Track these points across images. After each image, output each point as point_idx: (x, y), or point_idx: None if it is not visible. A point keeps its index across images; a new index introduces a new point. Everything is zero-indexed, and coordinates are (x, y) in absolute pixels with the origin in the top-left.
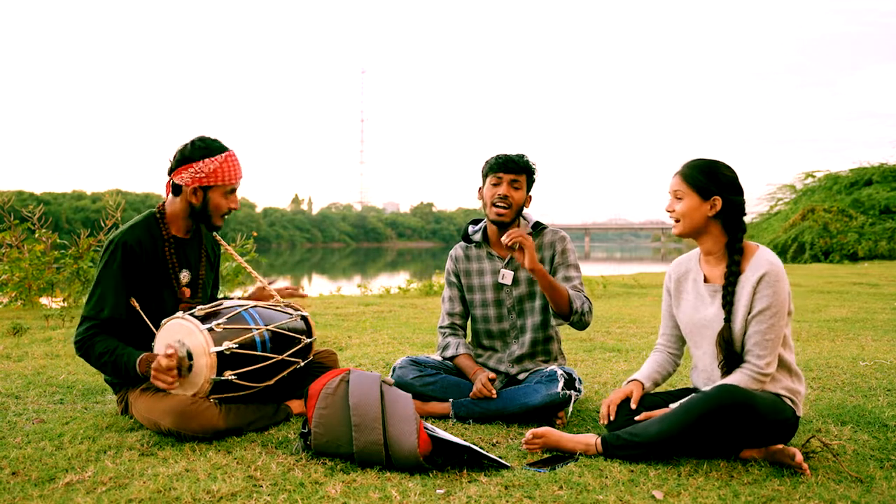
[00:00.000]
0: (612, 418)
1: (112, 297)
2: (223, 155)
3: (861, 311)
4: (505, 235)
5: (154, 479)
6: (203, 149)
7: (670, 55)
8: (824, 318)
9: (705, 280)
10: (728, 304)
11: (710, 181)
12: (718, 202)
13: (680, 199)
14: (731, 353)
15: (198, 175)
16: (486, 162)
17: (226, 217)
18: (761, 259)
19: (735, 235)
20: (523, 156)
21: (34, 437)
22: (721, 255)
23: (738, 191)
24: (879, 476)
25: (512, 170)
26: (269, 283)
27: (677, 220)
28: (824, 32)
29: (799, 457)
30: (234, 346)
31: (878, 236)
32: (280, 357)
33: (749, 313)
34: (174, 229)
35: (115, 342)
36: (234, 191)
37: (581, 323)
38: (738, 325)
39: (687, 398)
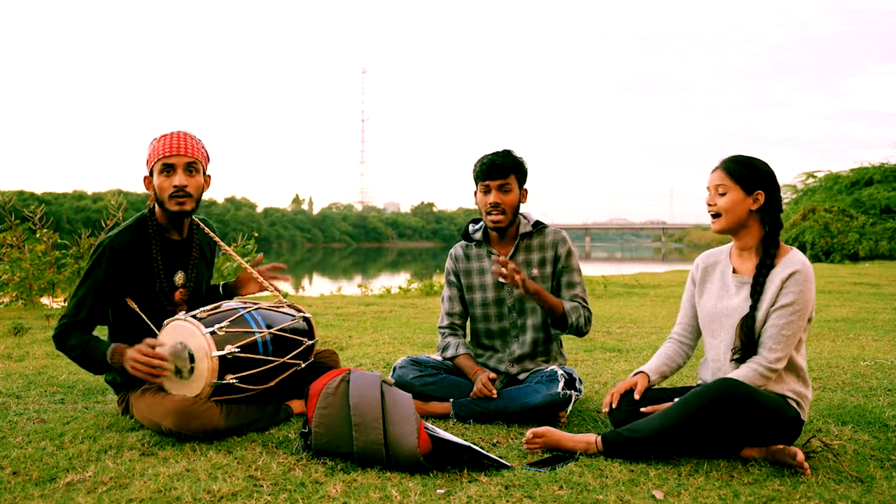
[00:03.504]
0: (613, 406)
1: (91, 300)
2: (159, 136)
3: (862, 311)
4: (495, 272)
5: (155, 478)
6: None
7: (670, 54)
8: (825, 318)
9: (734, 271)
10: (756, 293)
11: (754, 175)
12: (762, 196)
13: (723, 193)
14: (749, 341)
15: (145, 165)
16: (475, 166)
17: (180, 198)
18: (794, 258)
19: (773, 230)
20: (509, 154)
21: (35, 436)
22: (755, 251)
23: (777, 186)
24: (880, 476)
25: (498, 175)
26: (255, 265)
27: (717, 215)
28: (824, 32)
29: (800, 456)
30: (237, 349)
31: (878, 236)
32: (282, 360)
33: (772, 306)
34: (167, 231)
35: (88, 336)
36: (170, 167)
37: (579, 333)
38: (760, 315)
39: (689, 392)
